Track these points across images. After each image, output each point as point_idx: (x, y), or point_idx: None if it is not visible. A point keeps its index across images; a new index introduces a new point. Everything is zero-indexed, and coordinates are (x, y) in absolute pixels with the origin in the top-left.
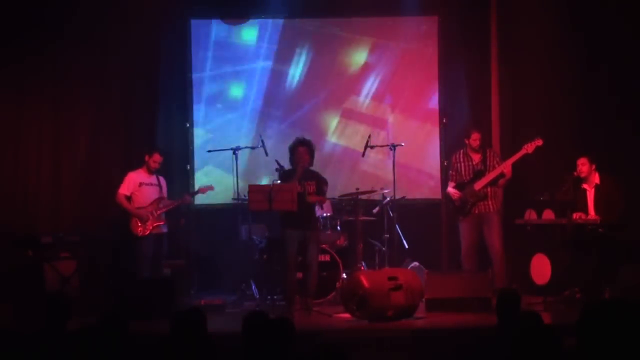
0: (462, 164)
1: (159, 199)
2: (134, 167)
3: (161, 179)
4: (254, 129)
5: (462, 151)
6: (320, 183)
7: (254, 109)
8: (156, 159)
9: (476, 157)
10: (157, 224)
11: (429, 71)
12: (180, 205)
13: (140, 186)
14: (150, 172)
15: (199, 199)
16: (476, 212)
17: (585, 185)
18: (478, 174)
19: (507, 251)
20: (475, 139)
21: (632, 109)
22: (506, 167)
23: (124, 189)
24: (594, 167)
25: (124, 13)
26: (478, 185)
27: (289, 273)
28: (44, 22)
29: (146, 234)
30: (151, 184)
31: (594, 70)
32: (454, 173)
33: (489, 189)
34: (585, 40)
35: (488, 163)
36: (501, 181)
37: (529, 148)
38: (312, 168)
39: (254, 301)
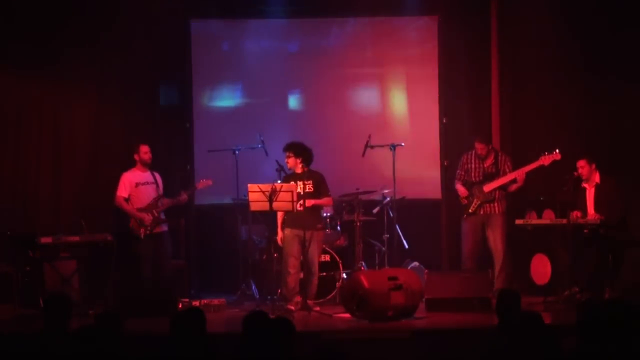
0: (473, 165)
1: (158, 198)
2: (132, 167)
3: (156, 175)
4: (254, 128)
5: (473, 152)
6: (320, 183)
7: (255, 108)
8: (144, 150)
9: (488, 160)
10: (158, 223)
11: (429, 71)
12: (179, 203)
13: (137, 186)
14: (145, 167)
15: (199, 199)
16: (481, 212)
17: (585, 185)
18: (488, 177)
19: (507, 251)
20: (478, 148)
21: (633, 109)
22: (520, 174)
23: (122, 191)
24: (593, 166)
25: (124, 13)
26: (488, 187)
27: (285, 273)
28: (44, 22)
29: (148, 234)
30: (147, 183)
31: (594, 69)
32: (462, 172)
33: (497, 192)
34: (586, 39)
35: (500, 167)
36: (513, 187)
37: (545, 160)
38: (314, 168)
39: (254, 301)
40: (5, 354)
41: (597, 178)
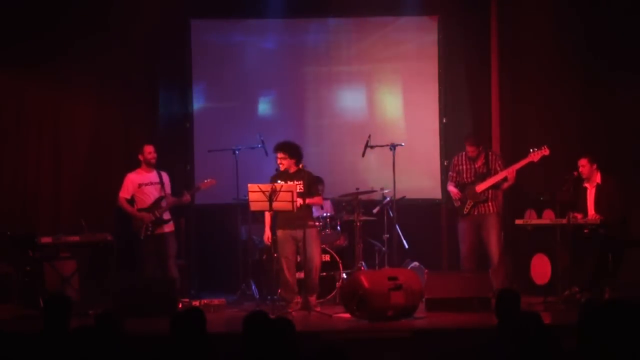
0: (464, 166)
1: (161, 198)
2: (134, 167)
3: (163, 175)
4: (254, 128)
5: (464, 153)
6: (310, 183)
7: (255, 108)
8: (149, 150)
9: (478, 161)
10: (160, 223)
11: (429, 71)
12: (181, 203)
13: (140, 187)
14: (150, 168)
15: (200, 199)
16: (475, 213)
17: (586, 184)
18: (480, 177)
19: (507, 251)
20: (469, 150)
21: (633, 108)
22: (510, 172)
23: (124, 192)
24: (595, 166)
25: (124, 13)
26: (480, 187)
27: (282, 275)
28: (44, 22)
29: (148, 234)
30: (151, 183)
31: (595, 68)
32: (454, 174)
33: (489, 192)
34: (586, 39)
35: (490, 166)
36: (504, 185)
37: (534, 157)
38: (306, 168)
39: (254, 301)
40: (5, 354)
41: (598, 178)
